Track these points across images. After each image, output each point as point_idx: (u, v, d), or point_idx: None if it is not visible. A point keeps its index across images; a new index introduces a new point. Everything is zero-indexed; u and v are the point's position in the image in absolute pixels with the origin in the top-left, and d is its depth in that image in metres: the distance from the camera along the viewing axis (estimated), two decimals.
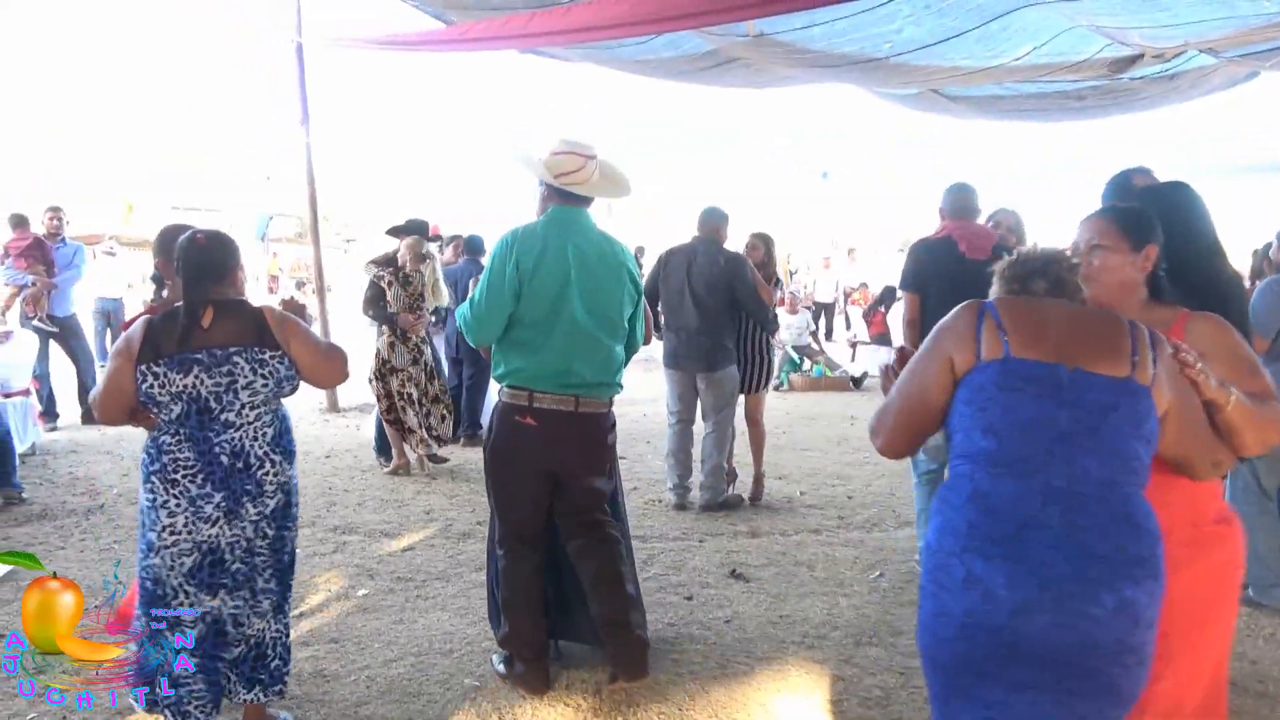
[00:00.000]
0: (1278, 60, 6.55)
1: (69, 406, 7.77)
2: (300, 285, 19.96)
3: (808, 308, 12.19)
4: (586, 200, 3.07)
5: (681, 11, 5.21)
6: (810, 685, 3.15)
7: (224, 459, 2.49)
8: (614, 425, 3.14)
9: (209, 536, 2.49)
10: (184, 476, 2.48)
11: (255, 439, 2.53)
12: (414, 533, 4.92)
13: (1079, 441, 1.69)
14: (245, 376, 2.50)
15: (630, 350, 3.22)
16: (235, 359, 2.49)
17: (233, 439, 2.50)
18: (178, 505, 2.47)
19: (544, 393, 2.95)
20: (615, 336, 3.06)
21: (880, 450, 1.96)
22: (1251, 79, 7.50)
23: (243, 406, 2.51)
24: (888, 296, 11.67)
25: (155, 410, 2.52)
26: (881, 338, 11.65)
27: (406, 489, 5.87)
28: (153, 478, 2.48)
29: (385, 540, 4.80)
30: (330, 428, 7.94)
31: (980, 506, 1.70)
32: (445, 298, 6.58)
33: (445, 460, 6.43)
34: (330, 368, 2.66)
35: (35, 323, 7.43)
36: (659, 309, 5.31)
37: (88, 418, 7.62)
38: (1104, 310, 1.91)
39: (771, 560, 4.47)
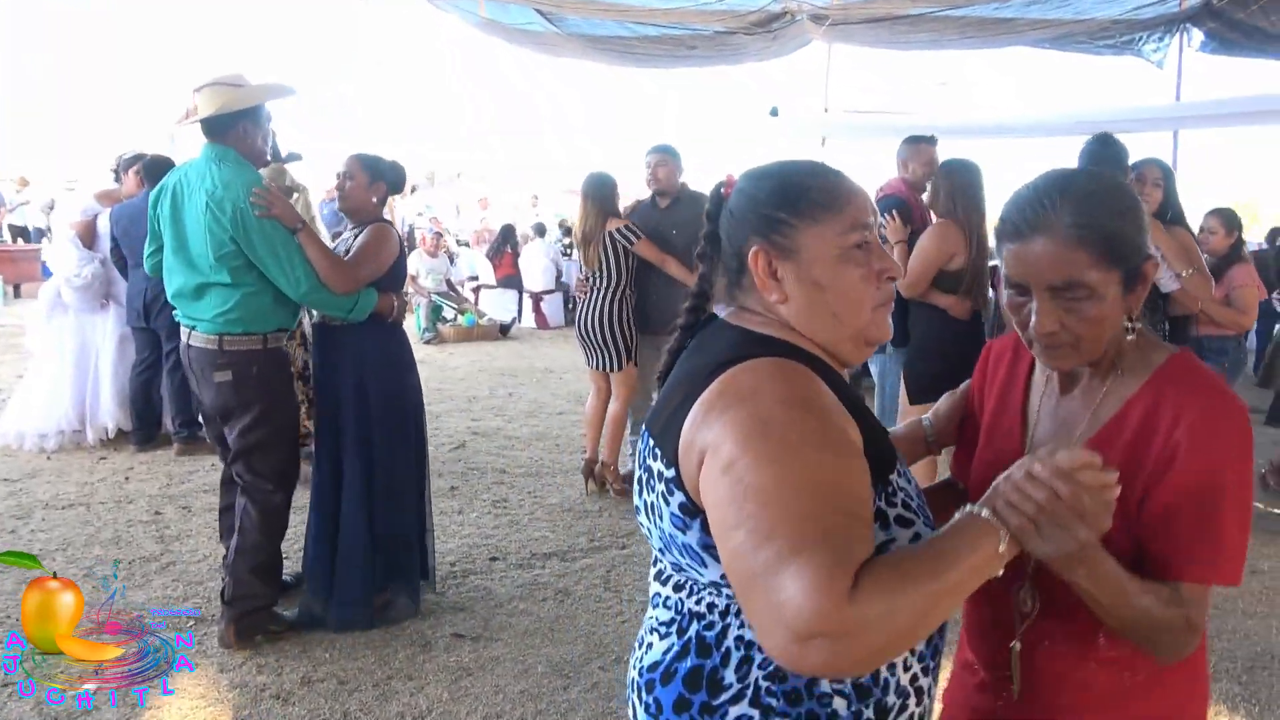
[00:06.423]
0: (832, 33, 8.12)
1: None
2: None
3: (448, 252, 11.25)
4: (212, 134, 3.00)
5: None
6: None
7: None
8: (230, 366, 2.97)
9: None
10: None
11: (652, 632, 1.15)
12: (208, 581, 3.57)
13: None
14: (647, 488, 1.11)
15: (307, 300, 2.99)
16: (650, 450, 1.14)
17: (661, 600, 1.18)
18: None
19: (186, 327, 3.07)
20: (200, 273, 2.96)
21: None
22: (805, 45, 9.12)
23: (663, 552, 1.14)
24: (509, 236, 11.42)
25: None
26: (510, 280, 11.12)
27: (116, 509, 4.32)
28: None
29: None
30: None
31: None
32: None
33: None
34: (776, 602, 0.86)
35: None
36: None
37: None
38: None
39: None
